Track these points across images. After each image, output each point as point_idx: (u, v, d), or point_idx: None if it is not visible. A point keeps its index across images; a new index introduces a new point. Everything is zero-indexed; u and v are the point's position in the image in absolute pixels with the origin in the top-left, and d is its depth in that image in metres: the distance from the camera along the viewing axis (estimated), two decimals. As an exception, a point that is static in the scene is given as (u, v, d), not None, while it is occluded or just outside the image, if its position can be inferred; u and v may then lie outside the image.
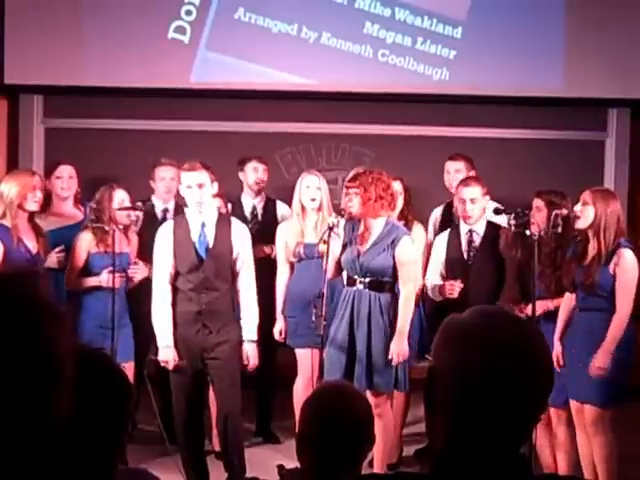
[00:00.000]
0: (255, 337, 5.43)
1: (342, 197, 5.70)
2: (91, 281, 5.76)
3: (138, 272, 5.86)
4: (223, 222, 5.44)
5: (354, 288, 5.42)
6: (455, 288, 5.63)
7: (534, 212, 5.49)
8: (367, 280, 5.40)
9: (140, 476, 1.94)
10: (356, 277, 5.42)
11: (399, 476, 2.06)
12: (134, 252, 5.99)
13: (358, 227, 5.51)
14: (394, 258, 5.39)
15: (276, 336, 6.01)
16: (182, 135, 7.87)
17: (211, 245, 5.35)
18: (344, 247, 5.49)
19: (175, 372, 5.39)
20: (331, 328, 5.46)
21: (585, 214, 5.07)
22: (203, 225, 5.35)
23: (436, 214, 6.62)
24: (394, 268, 5.39)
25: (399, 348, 5.33)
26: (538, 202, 5.51)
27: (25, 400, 1.18)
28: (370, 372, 5.37)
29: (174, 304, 5.37)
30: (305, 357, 5.88)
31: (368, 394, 5.37)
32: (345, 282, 5.52)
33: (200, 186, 5.26)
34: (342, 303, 5.47)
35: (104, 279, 5.69)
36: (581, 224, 5.10)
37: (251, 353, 5.41)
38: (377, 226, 5.47)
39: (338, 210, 5.54)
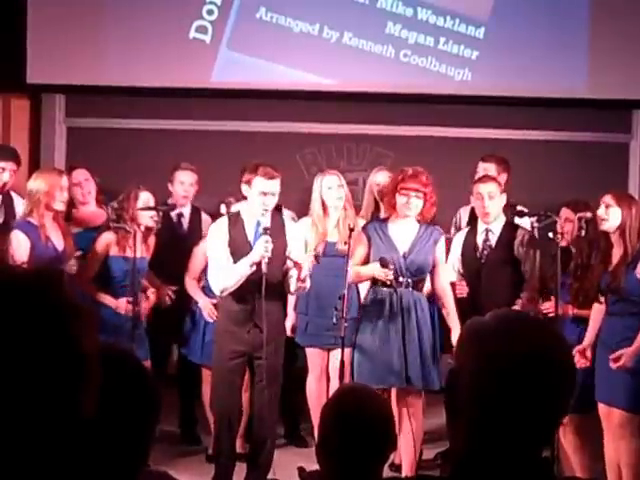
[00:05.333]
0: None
1: (397, 197, 5.45)
2: (107, 300, 5.69)
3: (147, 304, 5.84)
4: (277, 221, 5.44)
5: (397, 289, 5.37)
6: (464, 289, 5.66)
7: (562, 223, 5.46)
8: (411, 280, 5.41)
9: (160, 479, 1.93)
10: (401, 278, 5.40)
11: (420, 479, 2.04)
12: (149, 256, 5.95)
13: (386, 228, 5.48)
14: (434, 258, 5.47)
15: (287, 331, 5.99)
16: (203, 135, 7.89)
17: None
18: (372, 246, 5.45)
19: (223, 371, 5.37)
20: (360, 332, 5.44)
21: (611, 216, 5.02)
22: (258, 224, 5.32)
23: (461, 213, 6.57)
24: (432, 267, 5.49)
25: None
26: (567, 212, 5.47)
27: (52, 400, 1.18)
28: (420, 371, 5.35)
29: (227, 302, 5.37)
30: (316, 356, 5.87)
31: (411, 395, 5.38)
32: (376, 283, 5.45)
33: (274, 195, 5.31)
34: (374, 306, 5.43)
35: (121, 307, 5.63)
36: (607, 226, 5.05)
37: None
38: (411, 227, 5.49)
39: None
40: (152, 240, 5.94)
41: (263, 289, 5.15)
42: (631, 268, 4.96)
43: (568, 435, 5.27)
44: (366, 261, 5.51)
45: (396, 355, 5.34)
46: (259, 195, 5.26)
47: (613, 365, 4.92)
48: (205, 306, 6.01)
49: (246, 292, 5.25)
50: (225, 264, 5.27)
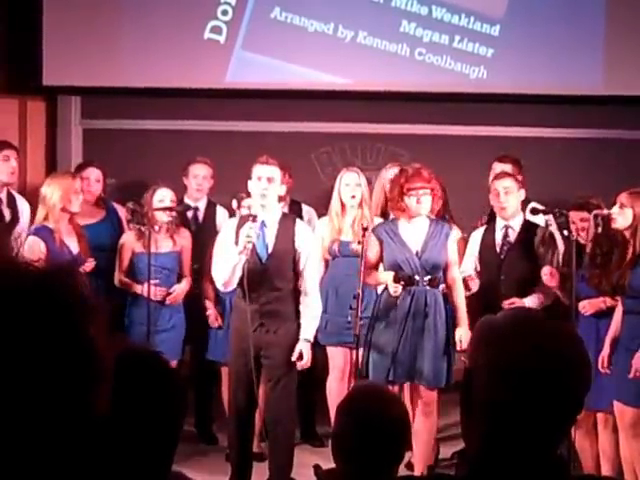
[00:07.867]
0: (311, 338, 5.36)
1: (405, 199, 5.42)
2: (135, 288, 5.93)
3: (177, 294, 5.99)
4: (286, 222, 5.40)
5: (412, 288, 5.37)
6: (474, 281, 5.65)
7: (577, 226, 5.40)
8: (428, 278, 5.39)
9: (176, 479, 1.93)
10: (416, 277, 5.38)
11: (436, 478, 2.04)
12: (188, 252, 6.09)
13: (396, 228, 5.46)
14: (447, 252, 5.45)
15: None
16: (218, 135, 7.90)
17: (271, 245, 5.32)
18: (385, 248, 5.43)
19: (233, 369, 5.39)
20: (375, 331, 5.43)
21: (623, 216, 5.04)
22: (263, 224, 5.30)
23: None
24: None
25: (467, 336, 5.42)
26: (581, 214, 5.41)
27: (66, 400, 1.17)
28: (432, 369, 5.34)
29: (235, 300, 5.43)
30: (337, 355, 5.86)
31: (424, 393, 5.37)
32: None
33: (270, 180, 5.25)
34: (388, 304, 5.40)
35: (145, 289, 5.80)
36: (618, 225, 5.05)
37: (305, 352, 5.28)
38: (422, 224, 5.47)
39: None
40: (185, 234, 6.08)
41: (245, 278, 5.15)
42: (638, 266, 4.96)
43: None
44: (379, 263, 5.50)
45: (409, 353, 5.34)
46: (256, 181, 5.26)
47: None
48: (210, 313, 6.20)
49: (249, 291, 5.22)
50: (224, 259, 5.29)
